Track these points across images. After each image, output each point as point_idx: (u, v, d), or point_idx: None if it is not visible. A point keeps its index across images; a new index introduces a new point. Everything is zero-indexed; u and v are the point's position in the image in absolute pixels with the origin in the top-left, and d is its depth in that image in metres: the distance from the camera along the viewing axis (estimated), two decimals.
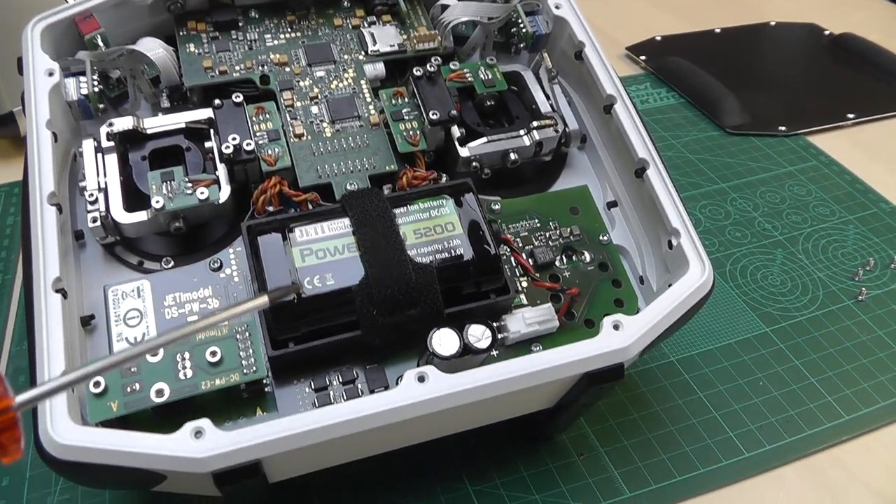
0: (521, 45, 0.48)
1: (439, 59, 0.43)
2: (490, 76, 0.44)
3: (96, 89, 0.41)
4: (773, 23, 0.92)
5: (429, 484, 0.43)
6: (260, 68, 0.44)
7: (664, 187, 0.40)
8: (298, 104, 0.43)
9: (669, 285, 0.37)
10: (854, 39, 0.88)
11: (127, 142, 0.40)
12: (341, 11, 0.48)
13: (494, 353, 0.37)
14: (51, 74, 0.40)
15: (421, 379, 0.33)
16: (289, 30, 0.46)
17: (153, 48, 0.42)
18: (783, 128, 0.74)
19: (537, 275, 0.40)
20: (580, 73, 0.46)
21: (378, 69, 0.45)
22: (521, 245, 0.41)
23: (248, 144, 0.39)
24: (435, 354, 0.34)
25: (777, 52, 0.88)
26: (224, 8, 0.46)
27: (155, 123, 0.40)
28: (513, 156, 0.42)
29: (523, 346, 0.38)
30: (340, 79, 0.45)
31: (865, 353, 0.52)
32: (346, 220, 0.37)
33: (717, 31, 0.90)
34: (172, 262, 0.39)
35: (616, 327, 0.35)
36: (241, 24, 0.46)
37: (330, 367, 0.36)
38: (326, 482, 0.42)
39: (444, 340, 0.35)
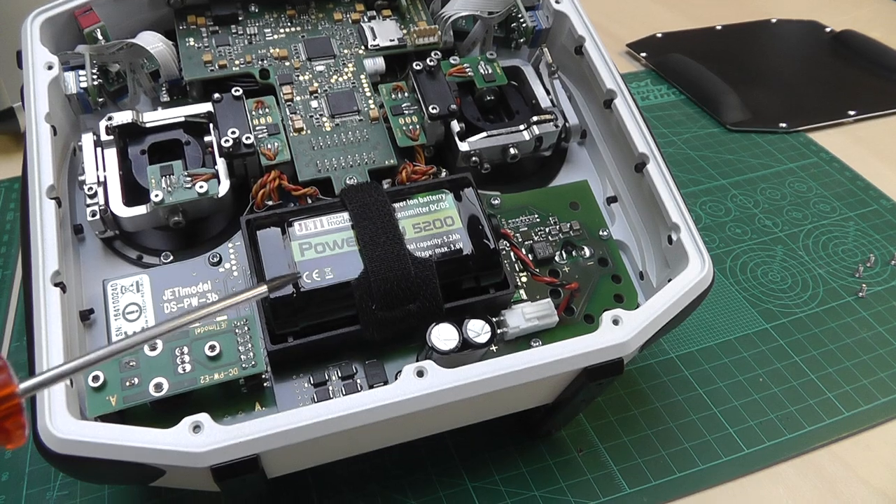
0: (522, 40, 0.47)
1: (439, 53, 0.43)
2: (490, 71, 0.44)
3: (95, 83, 0.41)
4: (774, 20, 0.92)
5: (428, 480, 0.43)
6: (260, 62, 0.44)
7: (664, 182, 0.40)
8: (298, 98, 0.43)
9: (669, 280, 0.37)
10: (855, 36, 0.88)
11: (126, 136, 0.40)
12: (341, 6, 0.48)
13: (494, 348, 0.37)
14: (50, 68, 0.40)
15: (420, 374, 0.33)
16: (289, 24, 0.46)
17: (153, 42, 0.42)
18: (784, 124, 0.74)
19: (537, 270, 0.40)
20: (580, 68, 0.46)
21: (378, 64, 0.45)
22: (520, 240, 0.41)
23: (247, 138, 0.39)
24: (434, 349, 0.34)
25: (778, 49, 0.88)
26: (224, 2, 0.46)
27: (154, 117, 0.40)
28: (512, 150, 0.42)
29: (523, 341, 0.38)
30: (340, 73, 0.44)
31: (865, 349, 0.52)
32: (346, 215, 0.37)
33: (719, 27, 0.90)
34: (171, 257, 0.39)
35: (615, 322, 0.35)
36: (240, 18, 0.45)
37: (329, 362, 0.36)
38: (325, 478, 0.42)
39: (443, 335, 0.35)
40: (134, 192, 0.38)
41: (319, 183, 0.40)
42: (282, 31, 0.46)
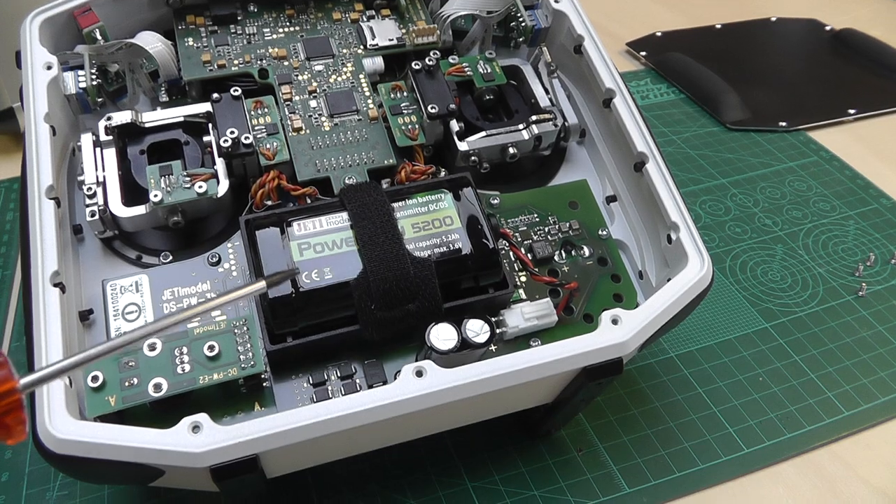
0: (521, 40, 0.47)
1: (438, 53, 0.43)
2: (489, 70, 0.44)
3: (95, 83, 0.41)
4: (773, 18, 0.92)
5: (427, 480, 0.43)
6: (259, 62, 0.44)
7: (663, 181, 0.40)
8: (297, 98, 0.43)
9: (668, 280, 0.37)
10: (855, 35, 0.88)
11: (125, 136, 0.40)
12: (340, 5, 0.47)
13: (493, 347, 0.37)
14: (49, 68, 0.40)
15: (419, 374, 0.33)
16: (288, 24, 0.46)
17: (152, 42, 0.42)
18: (784, 123, 0.74)
19: (536, 269, 0.40)
20: (579, 68, 0.46)
21: (377, 63, 0.45)
22: (519, 239, 0.41)
23: (246, 138, 0.39)
24: (433, 349, 0.34)
25: (778, 48, 0.88)
26: (223, 2, 0.45)
27: (153, 117, 0.40)
28: (512, 150, 0.42)
29: (522, 340, 0.38)
30: (339, 73, 0.44)
31: (865, 348, 0.52)
32: (345, 214, 0.37)
33: (718, 26, 0.90)
34: (171, 257, 0.39)
35: (615, 322, 0.35)
36: (239, 18, 0.45)
37: (328, 362, 0.36)
38: (325, 478, 0.42)
39: (442, 335, 0.35)
40: (133, 192, 0.38)
41: (318, 183, 0.40)
42: (281, 30, 0.46)
